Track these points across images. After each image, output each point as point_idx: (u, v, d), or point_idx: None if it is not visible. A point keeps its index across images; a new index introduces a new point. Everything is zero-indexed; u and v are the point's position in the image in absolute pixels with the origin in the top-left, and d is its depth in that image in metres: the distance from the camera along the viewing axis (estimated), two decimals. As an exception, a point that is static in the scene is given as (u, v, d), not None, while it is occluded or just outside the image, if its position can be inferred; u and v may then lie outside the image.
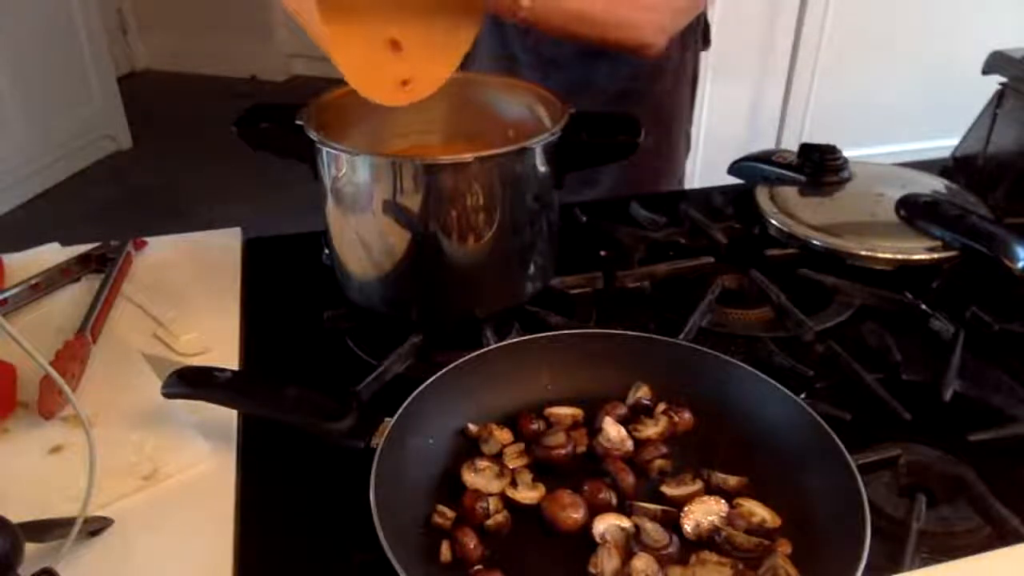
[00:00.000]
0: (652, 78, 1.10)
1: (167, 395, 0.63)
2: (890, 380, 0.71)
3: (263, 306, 0.84)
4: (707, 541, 0.55)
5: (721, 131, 2.58)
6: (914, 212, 0.89)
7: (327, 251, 0.81)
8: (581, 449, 0.62)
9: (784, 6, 2.65)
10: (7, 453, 0.64)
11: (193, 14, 4.18)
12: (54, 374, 0.55)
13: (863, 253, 0.85)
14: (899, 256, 0.85)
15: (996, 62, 1.11)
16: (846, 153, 0.99)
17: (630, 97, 1.09)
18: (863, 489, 0.53)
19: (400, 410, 0.59)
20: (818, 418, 0.59)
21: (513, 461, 0.61)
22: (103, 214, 3.04)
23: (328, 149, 0.69)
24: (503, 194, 0.70)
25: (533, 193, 0.72)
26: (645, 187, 1.14)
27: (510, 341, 0.69)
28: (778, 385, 0.62)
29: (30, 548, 0.50)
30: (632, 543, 0.54)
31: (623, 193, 1.09)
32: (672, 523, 0.56)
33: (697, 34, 1.15)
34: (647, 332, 0.70)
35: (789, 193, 0.96)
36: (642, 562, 0.52)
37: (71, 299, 0.83)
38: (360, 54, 0.72)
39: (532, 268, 0.76)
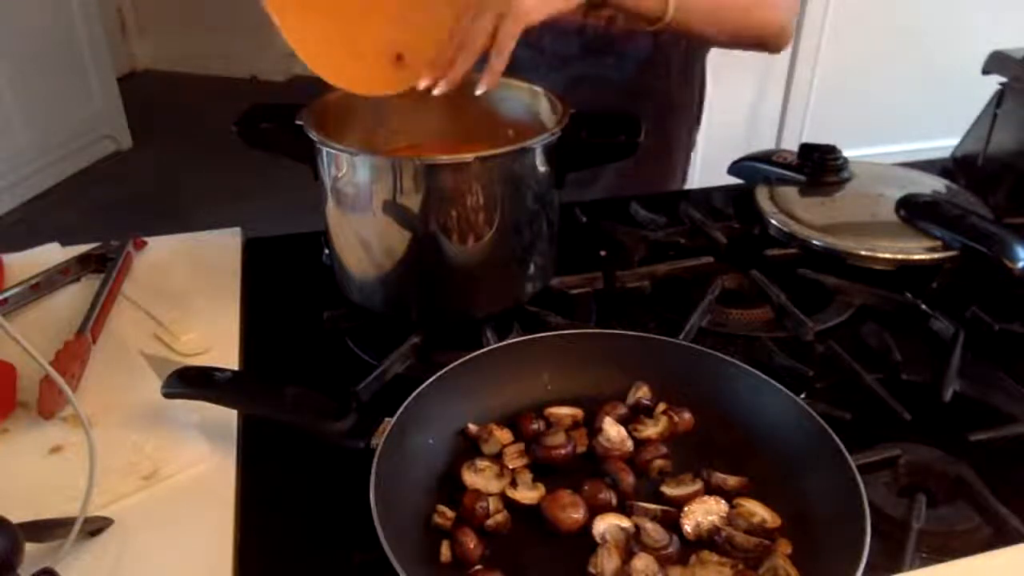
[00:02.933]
0: (658, 74, 1.09)
1: (167, 395, 0.63)
2: (890, 380, 0.71)
3: (263, 306, 0.84)
4: (707, 541, 0.55)
5: (721, 131, 2.57)
6: (914, 212, 0.89)
7: (327, 251, 0.81)
8: (581, 449, 0.62)
9: (784, 6, 2.65)
10: (7, 453, 0.64)
11: (193, 14, 4.18)
12: (54, 374, 0.55)
13: (863, 253, 0.85)
14: (899, 256, 0.85)
15: (996, 62, 1.11)
16: (846, 153, 0.99)
17: (636, 93, 1.09)
18: (863, 489, 0.53)
19: (400, 410, 0.59)
20: (818, 418, 0.59)
21: (513, 461, 0.61)
22: (103, 214, 3.03)
23: (328, 149, 0.69)
24: (503, 194, 0.70)
25: (533, 193, 0.72)
26: (646, 185, 1.13)
27: (510, 341, 0.69)
28: (778, 385, 0.62)
29: (30, 548, 0.50)
30: (632, 543, 0.54)
31: (624, 191, 1.09)
32: (672, 523, 0.56)
33: None
34: (647, 332, 0.70)
35: (789, 193, 0.96)
36: (642, 562, 0.52)
37: (71, 299, 0.83)
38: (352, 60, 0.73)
39: (532, 268, 0.76)
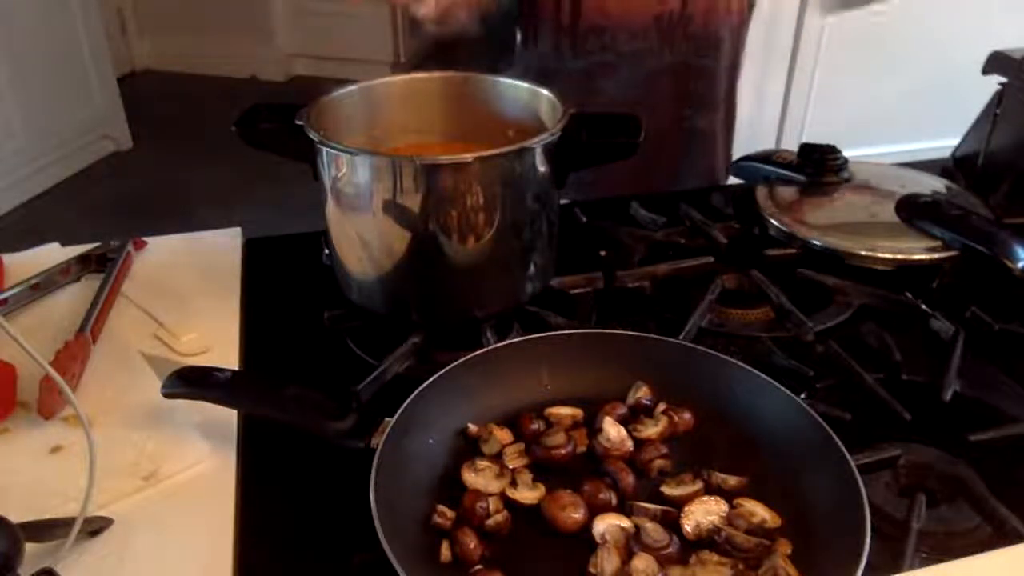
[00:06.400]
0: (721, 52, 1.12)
1: (167, 395, 0.63)
2: (890, 380, 0.71)
3: (263, 306, 0.84)
4: (707, 541, 0.55)
5: (721, 131, 2.57)
6: (914, 212, 0.89)
7: (327, 251, 0.81)
8: (581, 449, 0.62)
9: (784, 6, 2.66)
10: (7, 453, 0.64)
11: (193, 14, 4.18)
12: (54, 374, 0.55)
13: (863, 253, 0.85)
14: (899, 256, 0.85)
15: (996, 62, 1.11)
16: (846, 153, 0.99)
17: (713, 73, 1.12)
18: (863, 489, 0.53)
19: (400, 410, 0.59)
20: (818, 418, 0.59)
21: (513, 461, 0.61)
22: (103, 214, 3.04)
23: (328, 149, 0.69)
24: (503, 194, 0.70)
25: (533, 193, 0.72)
26: (688, 168, 1.17)
27: (510, 341, 0.69)
28: (778, 385, 0.62)
29: (30, 548, 0.50)
30: (632, 543, 0.54)
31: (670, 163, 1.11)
32: (672, 523, 0.56)
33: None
34: (647, 332, 0.70)
35: (789, 193, 0.96)
36: (642, 562, 0.52)
37: (71, 299, 0.83)
38: None
39: (532, 268, 0.76)
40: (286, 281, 0.89)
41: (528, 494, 0.58)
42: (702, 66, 1.12)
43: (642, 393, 0.66)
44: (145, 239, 0.93)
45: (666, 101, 1.11)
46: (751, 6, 1.17)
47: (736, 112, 1.25)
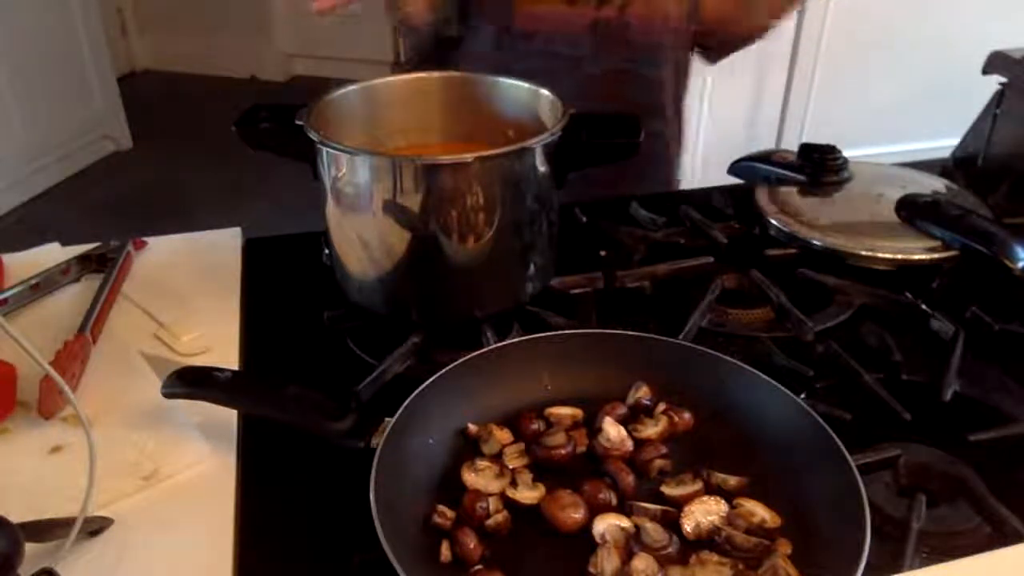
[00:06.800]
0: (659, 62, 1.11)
1: (167, 395, 0.63)
2: (890, 380, 0.71)
3: (263, 306, 0.84)
4: (707, 541, 0.55)
5: (721, 131, 2.58)
6: (914, 212, 0.89)
7: (327, 251, 0.81)
8: (581, 449, 0.62)
9: (784, 6, 2.65)
10: (7, 453, 0.64)
11: (193, 14, 4.18)
12: (54, 374, 0.55)
13: (863, 253, 0.85)
14: (899, 256, 0.85)
15: (996, 62, 1.11)
16: (846, 153, 0.99)
17: (651, 82, 1.11)
18: (863, 489, 0.53)
19: (400, 410, 0.59)
20: (818, 418, 0.59)
21: (513, 461, 0.61)
22: (103, 214, 3.04)
23: (328, 149, 0.69)
24: (503, 194, 0.70)
25: (533, 193, 0.72)
26: (636, 175, 1.14)
27: (510, 341, 0.69)
28: (778, 385, 0.62)
29: (30, 548, 0.50)
30: (632, 543, 0.54)
31: (618, 180, 1.09)
32: (672, 523, 0.56)
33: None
34: (647, 332, 0.70)
35: (789, 193, 0.96)
36: (642, 562, 0.52)
37: (71, 299, 0.83)
38: None
39: (532, 268, 0.76)
40: (286, 281, 0.89)
41: (528, 494, 0.58)
42: (642, 73, 1.10)
43: (642, 393, 0.66)
44: (145, 239, 0.93)
45: (606, 107, 1.10)
46: (693, 16, 1.16)
47: (684, 119, 1.23)
